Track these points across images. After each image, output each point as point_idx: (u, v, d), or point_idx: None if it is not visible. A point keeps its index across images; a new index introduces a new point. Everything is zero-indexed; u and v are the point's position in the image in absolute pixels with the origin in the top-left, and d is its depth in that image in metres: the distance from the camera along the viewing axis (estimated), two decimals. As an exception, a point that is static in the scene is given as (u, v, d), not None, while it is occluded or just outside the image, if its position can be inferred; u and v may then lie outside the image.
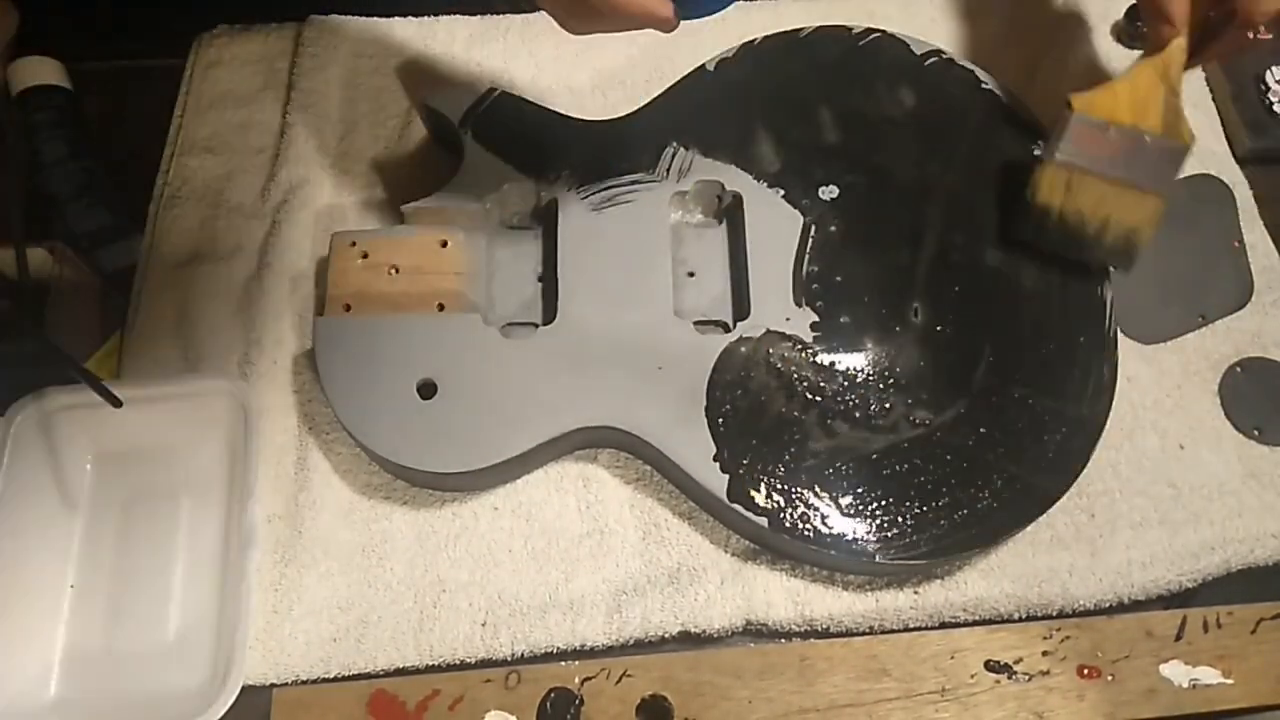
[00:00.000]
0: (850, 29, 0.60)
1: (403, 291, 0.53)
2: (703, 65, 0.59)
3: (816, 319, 0.52)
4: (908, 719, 0.47)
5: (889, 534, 0.48)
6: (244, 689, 0.45)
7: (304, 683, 0.48)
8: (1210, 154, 0.63)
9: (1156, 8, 0.51)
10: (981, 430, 0.50)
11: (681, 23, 0.43)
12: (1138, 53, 0.66)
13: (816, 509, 0.49)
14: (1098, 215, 0.51)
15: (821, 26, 0.60)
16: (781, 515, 0.48)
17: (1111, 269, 0.54)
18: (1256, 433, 0.55)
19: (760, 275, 0.53)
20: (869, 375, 0.51)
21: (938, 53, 0.60)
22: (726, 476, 0.49)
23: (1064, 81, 0.64)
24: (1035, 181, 0.52)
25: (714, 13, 0.45)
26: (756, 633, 0.50)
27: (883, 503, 0.49)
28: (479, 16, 0.67)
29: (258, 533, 0.49)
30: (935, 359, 0.52)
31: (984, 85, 0.59)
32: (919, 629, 0.50)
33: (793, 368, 0.51)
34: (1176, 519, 0.52)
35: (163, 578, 0.50)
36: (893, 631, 0.50)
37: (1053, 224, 0.52)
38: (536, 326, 0.53)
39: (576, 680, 0.47)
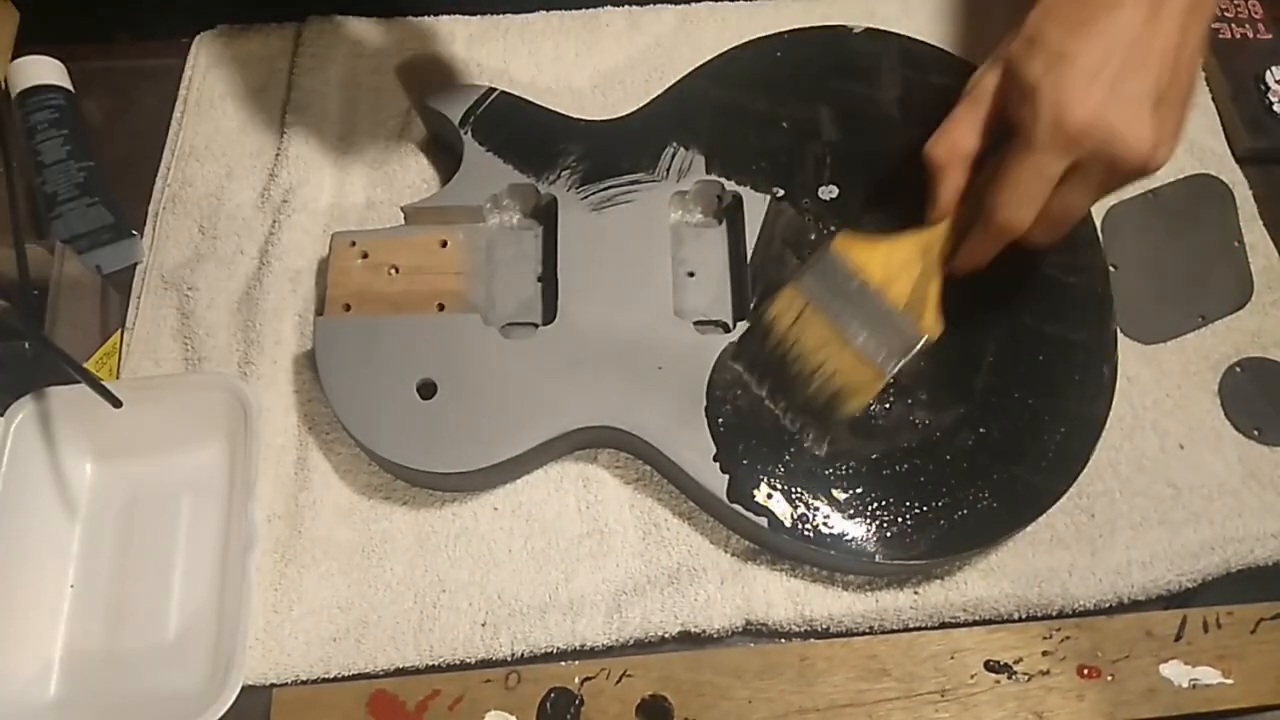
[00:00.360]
0: (850, 28, 0.60)
1: (403, 291, 0.53)
2: (703, 65, 0.59)
3: (816, 319, 0.52)
4: (907, 719, 0.47)
5: (889, 534, 0.48)
6: (244, 689, 0.45)
7: (304, 683, 0.48)
8: (1210, 154, 0.63)
9: (929, 186, 0.48)
10: (981, 430, 0.50)
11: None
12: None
13: (816, 509, 0.49)
14: (815, 358, 0.49)
15: (822, 25, 0.61)
16: (781, 515, 0.48)
17: (1111, 268, 0.54)
18: (1256, 433, 0.55)
19: (760, 275, 0.53)
20: (869, 375, 0.51)
21: (938, 52, 0.60)
22: (726, 476, 0.49)
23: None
24: (776, 297, 0.50)
25: None
26: (756, 633, 0.50)
27: (883, 503, 0.49)
28: (479, 16, 0.67)
29: (258, 532, 0.49)
30: (935, 359, 0.52)
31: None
32: (919, 629, 0.50)
33: (793, 368, 0.51)
34: (1176, 519, 0.53)
35: (162, 578, 0.50)
36: (893, 631, 0.50)
37: (772, 344, 0.50)
38: (536, 326, 0.53)
39: (576, 680, 0.47)
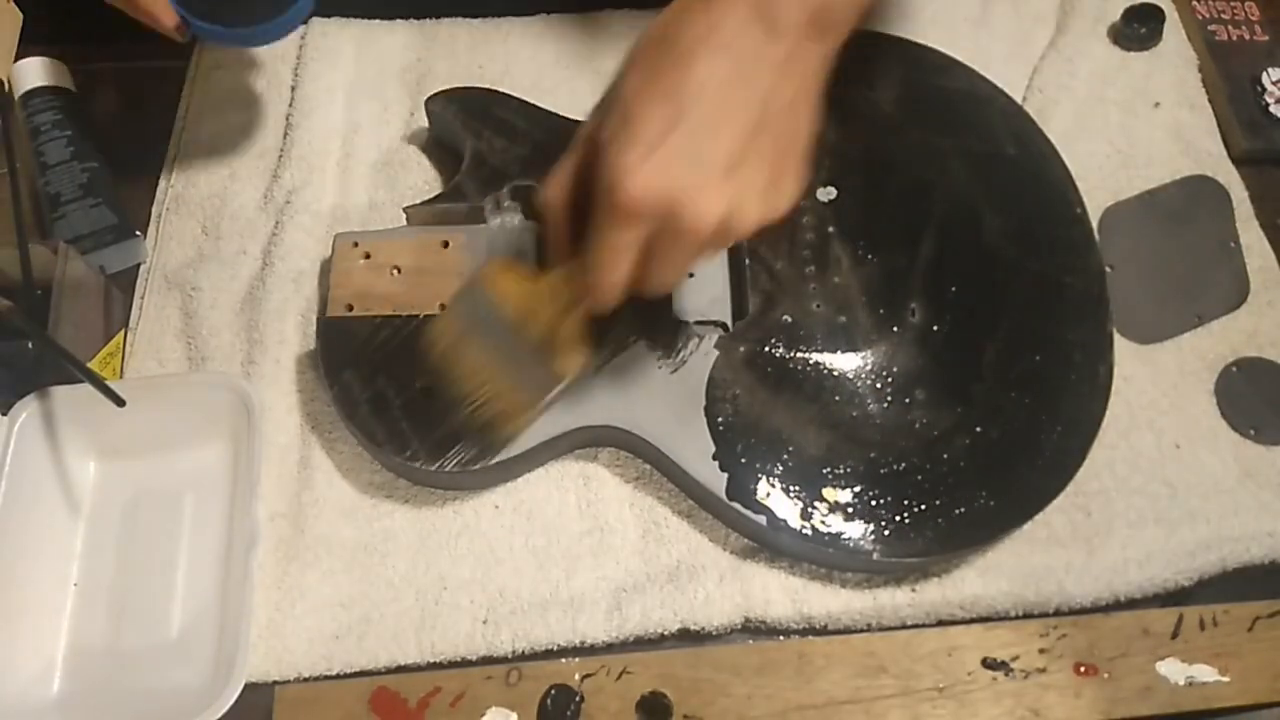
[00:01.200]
0: (849, 31, 0.61)
1: (405, 292, 0.53)
2: (702, 67, 0.59)
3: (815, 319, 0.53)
4: (905, 716, 0.48)
5: (886, 532, 0.49)
6: (246, 686, 0.46)
7: (306, 680, 0.48)
8: (1206, 155, 0.63)
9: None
10: (978, 429, 0.51)
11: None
12: (1134, 54, 0.67)
13: (815, 507, 0.49)
14: (471, 383, 0.46)
15: (820, 29, 0.61)
16: (780, 513, 0.49)
17: (1108, 269, 0.54)
18: (1252, 432, 0.55)
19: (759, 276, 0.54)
20: (867, 375, 0.52)
21: (936, 55, 0.60)
22: (725, 475, 0.49)
23: (1061, 84, 0.65)
24: (435, 325, 0.47)
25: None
26: (755, 630, 0.51)
27: (880, 501, 0.49)
28: (480, 19, 0.67)
29: (260, 531, 0.49)
30: (933, 359, 0.52)
31: (981, 87, 0.60)
32: (916, 626, 0.51)
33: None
34: (1173, 518, 0.53)
35: (166, 575, 0.50)
36: (890, 629, 0.50)
37: (443, 369, 0.47)
38: (537, 326, 0.53)
39: (577, 677, 0.48)
